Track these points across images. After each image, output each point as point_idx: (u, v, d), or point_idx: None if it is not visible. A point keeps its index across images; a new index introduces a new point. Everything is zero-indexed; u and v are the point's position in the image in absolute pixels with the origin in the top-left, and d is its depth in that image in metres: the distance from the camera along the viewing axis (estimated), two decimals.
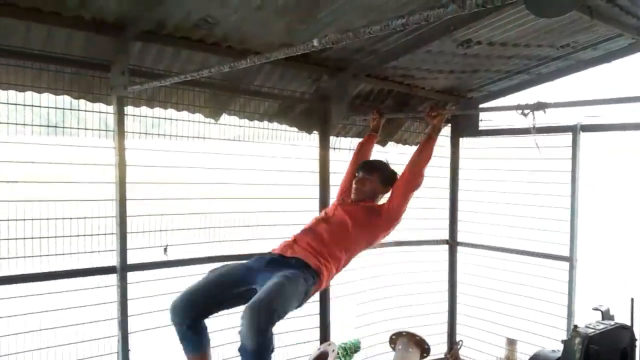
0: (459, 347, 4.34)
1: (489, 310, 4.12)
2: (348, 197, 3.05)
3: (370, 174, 2.97)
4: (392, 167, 3.08)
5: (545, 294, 3.80)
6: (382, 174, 2.99)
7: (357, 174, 3.01)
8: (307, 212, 3.53)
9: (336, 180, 3.53)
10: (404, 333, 3.67)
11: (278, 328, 3.33)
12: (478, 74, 3.61)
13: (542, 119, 2.54)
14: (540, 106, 2.40)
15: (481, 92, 4.01)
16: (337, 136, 3.68)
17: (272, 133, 3.40)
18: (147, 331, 2.84)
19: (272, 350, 2.17)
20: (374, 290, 3.95)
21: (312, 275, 2.51)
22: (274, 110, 3.34)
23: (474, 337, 4.29)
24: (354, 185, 2.97)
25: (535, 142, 2.39)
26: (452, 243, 4.29)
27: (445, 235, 4.25)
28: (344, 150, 3.71)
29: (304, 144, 3.58)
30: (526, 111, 2.42)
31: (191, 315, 2.30)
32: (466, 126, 4.11)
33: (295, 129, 3.48)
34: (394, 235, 3.99)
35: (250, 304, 2.13)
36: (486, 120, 4.09)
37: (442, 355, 4.36)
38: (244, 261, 2.67)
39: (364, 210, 2.86)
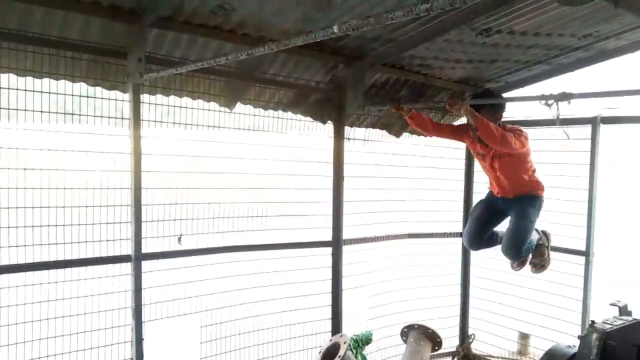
0: (470, 340, 4.32)
1: (501, 304, 4.09)
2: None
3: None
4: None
5: (559, 288, 3.76)
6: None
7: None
8: (321, 203, 3.51)
9: (351, 171, 3.51)
10: (415, 326, 3.65)
11: (290, 318, 3.39)
12: (496, 63, 3.54)
13: (563, 110, 2.48)
14: (564, 97, 2.34)
15: (498, 83, 3.95)
16: (352, 126, 3.64)
17: (286, 122, 3.37)
18: (161, 320, 2.84)
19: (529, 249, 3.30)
20: (386, 282, 3.93)
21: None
22: (288, 99, 3.31)
23: (486, 331, 4.26)
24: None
25: (565, 132, 2.34)
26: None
27: (458, 228, 4.20)
28: (358, 140, 3.68)
29: (317, 134, 3.55)
30: (550, 102, 2.36)
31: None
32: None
33: (309, 118, 3.45)
34: (406, 227, 4.03)
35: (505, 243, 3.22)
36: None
37: (454, 349, 4.33)
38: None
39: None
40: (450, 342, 4.23)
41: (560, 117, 2.49)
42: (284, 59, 3.09)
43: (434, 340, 3.63)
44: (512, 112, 4.01)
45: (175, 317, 2.90)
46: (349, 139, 3.58)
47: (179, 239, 2.89)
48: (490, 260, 4.13)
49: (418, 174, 3.96)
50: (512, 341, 4.26)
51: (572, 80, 3.84)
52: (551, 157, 3.70)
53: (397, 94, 3.65)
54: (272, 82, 3.18)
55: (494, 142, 3.02)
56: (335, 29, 1.52)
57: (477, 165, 4.15)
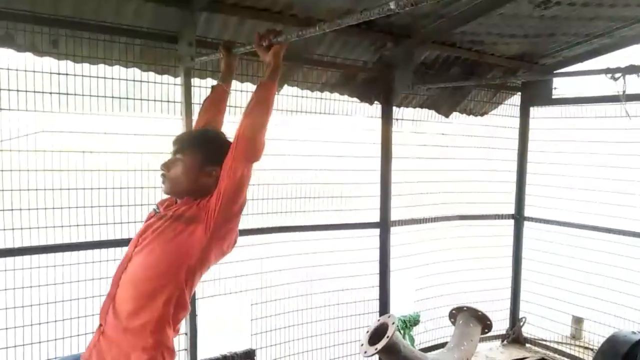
0: (522, 324, 4.23)
1: (555, 288, 3.97)
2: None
3: (184, 151, 1.77)
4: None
5: (618, 272, 3.60)
6: (205, 147, 1.78)
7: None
8: (369, 185, 3.50)
9: (399, 152, 3.47)
10: (465, 308, 3.60)
11: (338, 298, 3.42)
12: (554, 37, 3.36)
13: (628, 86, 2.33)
14: (633, 69, 2.19)
15: (555, 58, 3.75)
16: (399, 106, 3.57)
17: (332, 104, 3.35)
18: (213, 297, 2.93)
19: None
20: (434, 264, 3.88)
21: None
22: (335, 80, 3.28)
23: (537, 314, 4.16)
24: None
25: (625, 110, 2.19)
26: (519, 217, 4.12)
27: (511, 209, 4.09)
28: (406, 120, 3.61)
29: (364, 115, 3.51)
30: (617, 75, 2.20)
31: None
32: (538, 94, 3.88)
33: (356, 99, 3.41)
34: (457, 208, 3.95)
35: None
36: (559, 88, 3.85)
37: (504, 332, 4.26)
38: None
39: (174, 226, 1.70)
40: (500, 324, 4.16)
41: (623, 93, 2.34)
42: (331, 39, 3.05)
43: (484, 322, 3.58)
44: (565, 89, 3.84)
45: (228, 294, 2.98)
46: (396, 119, 3.52)
47: None
48: (544, 243, 4.02)
49: (468, 154, 3.86)
50: (565, 325, 4.14)
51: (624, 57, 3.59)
52: (610, 136, 3.51)
53: (448, 72, 3.54)
54: (318, 62, 3.15)
55: (253, 129, 1.69)
56: (392, 5, 1.46)
57: (532, 144, 4.02)
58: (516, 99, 4.08)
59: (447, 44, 3.35)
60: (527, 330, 4.24)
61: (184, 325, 2.84)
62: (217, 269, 2.91)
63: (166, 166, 1.76)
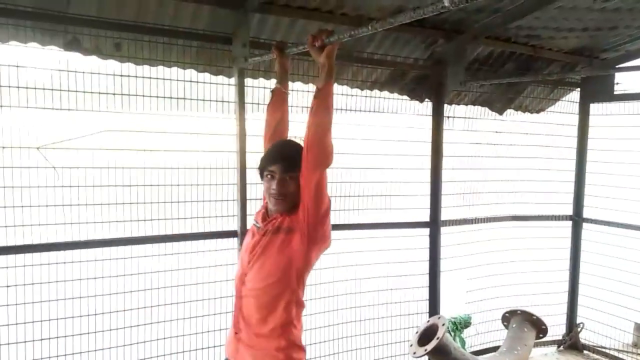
0: (579, 329, 4.06)
1: (616, 293, 3.78)
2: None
3: (294, 169, 1.81)
4: None
5: None
6: (299, 161, 1.80)
7: (267, 170, 1.88)
8: (419, 184, 3.46)
9: (450, 150, 3.41)
10: (519, 312, 3.50)
11: (388, 297, 3.40)
12: (616, 30, 3.20)
13: None
14: None
15: (618, 52, 3.58)
16: (451, 104, 3.51)
17: (382, 102, 3.33)
18: None
19: None
20: (487, 266, 3.79)
21: None
22: (385, 78, 3.26)
23: (596, 320, 3.98)
24: (273, 190, 1.85)
25: None
26: (577, 219, 3.95)
27: (569, 210, 3.93)
28: (457, 118, 3.54)
29: (414, 113, 3.48)
30: None
31: None
32: (598, 90, 3.71)
33: (406, 97, 3.38)
34: (510, 209, 3.84)
35: None
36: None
37: (560, 337, 4.10)
38: None
39: (275, 239, 1.85)
40: (556, 330, 4.02)
41: None
42: (382, 37, 3.04)
43: (539, 327, 3.47)
44: (628, 84, 3.66)
45: None
46: (448, 117, 3.46)
47: None
48: (604, 246, 3.84)
49: (523, 152, 3.75)
50: (626, 332, 3.94)
51: None
52: None
53: (502, 68, 3.44)
54: (368, 61, 3.15)
55: (319, 136, 1.74)
56: (447, 2, 1.44)
57: (591, 142, 3.85)
58: (575, 95, 3.92)
59: (501, 39, 3.26)
60: (585, 337, 4.06)
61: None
62: None
63: (285, 187, 1.83)
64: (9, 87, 2.23)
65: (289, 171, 1.82)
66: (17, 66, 2.21)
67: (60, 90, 2.30)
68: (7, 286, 2.32)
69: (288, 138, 2.13)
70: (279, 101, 2.18)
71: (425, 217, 3.47)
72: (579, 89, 3.87)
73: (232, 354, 1.93)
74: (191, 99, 2.64)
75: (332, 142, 1.79)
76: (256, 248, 1.88)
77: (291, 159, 1.83)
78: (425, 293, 3.53)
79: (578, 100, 3.88)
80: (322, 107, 1.78)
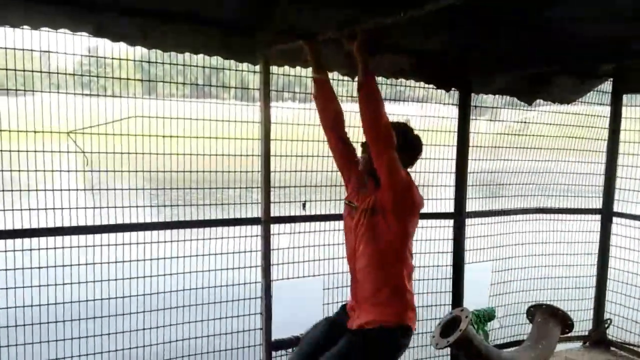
0: (606, 325, 3.97)
1: None
2: (355, 180, 2.28)
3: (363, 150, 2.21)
4: None
5: None
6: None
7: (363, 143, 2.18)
8: (443, 174, 3.42)
9: (476, 140, 3.36)
10: (544, 306, 3.44)
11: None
12: None
13: None
14: None
15: None
16: (478, 93, 3.44)
17: (406, 91, 3.30)
18: (287, 280, 3.01)
19: None
20: (512, 259, 3.74)
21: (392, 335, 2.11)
22: (411, 66, 3.21)
23: (624, 317, 3.89)
24: (361, 156, 2.21)
25: None
26: (607, 213, 3.85)
27: (598, 203, 3.83)
28: (485, 108, 3.48)
29: (439, 102, 3.43)
30: None
31: None
32: (633, 81, 3.58)
33: (432, 85, 3.33)
34: (537, 201, 3.76)
35: None
36: None
37: (586, 333, 4.02)
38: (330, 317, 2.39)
39: (372, 220, 2.11)
40: (582, 325, 3.94)
41: None
42: (407, 23, 2.98)
43: (564, 322, 3.40)
44: None
45: (300, 277, 3.05)
46: (474, 106, 3.40)
47: (304, 205, 3.00)
48: (634, 241, 3.74)
49: (552, 143, 3.66)
50: None
51: None
52: None
53: (532, 56, 3.32)
54: (394, 48, 3.10)
55: (372, 121, 1.96)
56: None
57: (623, 134, 3.73)
58: (607, 85, 3.80)
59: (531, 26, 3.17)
60: (612, 333, 3.97)
61: (259, 305, 2.95)
62: (290, 252, 2.99)
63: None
64: (41, 72, 2.27)
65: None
66: (49, 52, 2.26)
67: (90, 75, 2.34)
68: (39, 267, 2.38)
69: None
70: (323, 89, 2.30)
71: (450, 208, 3.43)
72: (611, 79, 3.75)
73: (353, 320, 2.15)
74: (217, 86, 2.66)
75: (388, 124, 1.97)
76: (359, 227, 2.12)
77: None
78: (448, 285, 3.50)
79: (610, 91, 3.77)
80: (367, 97, 1.97)
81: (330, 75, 2.90)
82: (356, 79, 2.24)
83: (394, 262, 2.08)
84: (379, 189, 2.05)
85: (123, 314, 2.63)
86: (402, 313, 2.10)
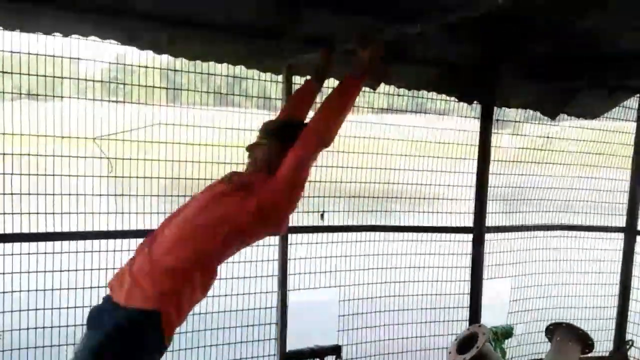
0: (628, 347, 3.87)
1: None
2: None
3: (265, 137, 1.90)
4: None
5: None
6: (281, 133, 1.88)
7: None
8: (463, 188, 3.39)
9: (498, 154, 3.32)
10: (564, 324, 3.37)
11: (426, 302, 3.35)
12: None
13: None
14: None
15: None
16: (501, 107, 3.41)
17: (427, 103, 3.29)
18: (303, 290, 3.00)
19: None
20: (532, 275, 3.67)
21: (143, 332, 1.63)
22: (434, 78, 3.19)
23: None
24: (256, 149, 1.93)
25: None
26: (630, 231, 3.77)
27: (621, 221, 3.76)
28: (507, 122, 3.45)
29: (460, 115, 3.41)
30: None
31: None
32: None
33: (454, 98, 3.30)
34: (559, 217, 3.70)
35: None
36: None
37: (607, 354, 3.93)
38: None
39: (234, 187, 1.80)
40: (602, 346, 3.85)
41: None
42: (430, 34, 2.96)
43: (584, 342, 3.32)
44: None
45: (317, 288, 3.04)
46: (497, 119, 3.36)
47: (322, 215, 3.00)
48: None
49: (576, 159, 3.61)
50: None
51: None
52: None
53: (558, 68, 3.26)
54: (416, 59, 3.08)
55: (329, 118, 1.80)
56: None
57: None
58: (632, 101, 3.74)
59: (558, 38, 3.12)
60: (634, 355, 3.87)
61: (274, 315, 2.94)
62: (307, 262, 2.98)
63: (251, 148, 1.92)
64: (70, 79, 2.32)
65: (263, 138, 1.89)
66: (78, 59, 2.30)
67: (117, 82, 2.37)
68: (60, 271, 2.41)
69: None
70: (307, 90, 2.19)
71: (469, 222, 3.39)
72: (638, 95, 3.69)
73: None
74: (239, 95, 2.68)
75: (334, 135, 1.83)
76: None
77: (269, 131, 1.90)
78: (466, 300, 3.45)
79: (636, 107, 3.70)
80: (343, 97, 1.82)
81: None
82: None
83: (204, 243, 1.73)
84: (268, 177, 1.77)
85: None
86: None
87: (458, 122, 3.42)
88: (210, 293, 2.76)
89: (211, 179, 2.65)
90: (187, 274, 1.70)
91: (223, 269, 2.80)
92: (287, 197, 1.78)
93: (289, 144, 1.78)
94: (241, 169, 2.47)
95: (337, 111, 1.81)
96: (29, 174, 2.29)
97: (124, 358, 1.63)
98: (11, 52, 2.22)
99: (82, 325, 2.42)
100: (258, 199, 1.72)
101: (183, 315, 1.74)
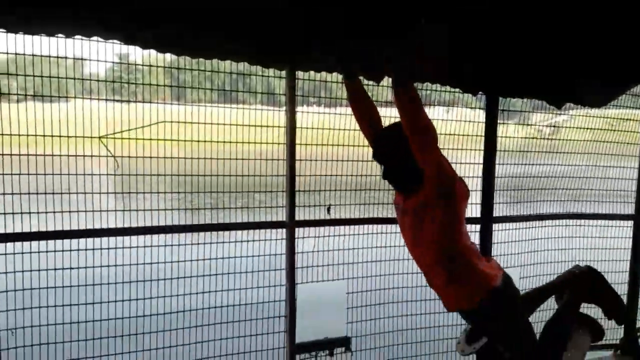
0: (638, 334, 3.86)
1: None
2: None
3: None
4: None
5: None
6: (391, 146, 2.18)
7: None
8: (469, 179, 3.37)
9: (505, 144, 3.31)
10: None
11: (434, 293, 3.34)
12: None
13: None
14: None
15: None
16: (506, 97, 3.38)
17: (433, 94, 3.27)
18: (311, 283, 3.01)
19: None
20: (540, 265, 3.66)
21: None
22: (438, 69, 3.16)
23: None
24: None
25: None
26: (639, 218, 3.75)
27: (631, 209, 3.73)
28: (513, 112, 3.43)
29: (464, 106, 3.40)
30: None
31: None
32: None
33: (458, 90, 3.28)
34: (567, 206, 3.68)
35: None
36: None
37: (617, 341, 3.92)
38: None
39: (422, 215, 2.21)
40: (612, 333, 3.83)
41: None
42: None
43: (594, 330, 3.31)
44: None
45: (324, 281, 3.05)
46: (503, 110, 3.34)
47: (328, 209, 3.01)
48: None
49: (582, 148, 3.58)
50: None
51: None
52: None
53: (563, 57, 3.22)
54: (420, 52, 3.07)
55: (411, 118, 1.98)
56: None
57: None
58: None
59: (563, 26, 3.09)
60: None
61: (283, 308, 2.96)
62: (314, 256, 3.00)
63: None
64: (75, 79, 2.34)
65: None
66: (82, 59, 2.32)
67: (121, 82, 2.39)
68: (70, 268, 2.45)
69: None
70: (358, 93, 2.30)
71: (476, 213, 3.39)
72: None
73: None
74: (243, 91, 2.69)
75: (427, 121, 2.01)
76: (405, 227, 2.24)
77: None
78: None
79: None
80: (404, 96, 1.96)
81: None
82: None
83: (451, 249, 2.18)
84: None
85: (149, 315, 2.68)
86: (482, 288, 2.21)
87: (463, 113, 3.40)
88: (219, 287, 2.82)
89: (216, 175, 2.69)
90: (470, 268, 2.22)
91: (232, 264, 2.84)
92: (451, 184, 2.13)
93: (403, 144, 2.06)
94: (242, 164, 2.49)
95: (410, 110, 1.99)
96: (37, 174, 2.32)
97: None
98: (15, 54, 2.24)
99: (93, 321, 2.51)
100: (440, 200, 2.11)
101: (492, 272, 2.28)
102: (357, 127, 2.95)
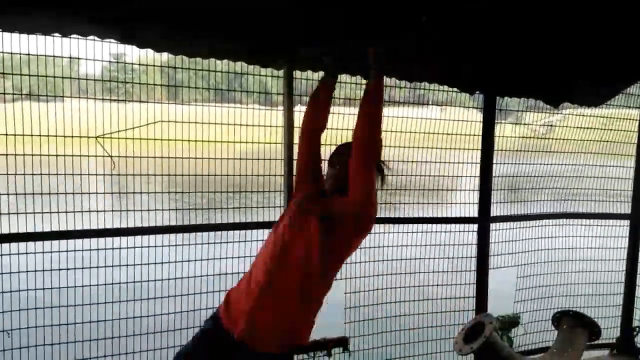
0: (635, 333, 3.87)
1: None
2: (309, 184, 2.20)
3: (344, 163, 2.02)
4: None
5: None
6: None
7: (331, 159, 2.11)
8: (467, 178, 3.38)
9: (502, 144, 3.31)
10: (570, 313, 3.37)
11: (431, 292, 3.36)
12: None
13: None
14: None
15: None
16: (502, 96, 3.39)
17: (429, 94, 3.28)
18: None
19: None
20: (538, 264, 3.67)
21: None
22: (434, 69, 3.16)
23: None
24: (329, 172, 2.10)
25: None
26: (636, 218, 3.76)
27: (627, 209, 3.74)
28: (510, 111, 3.44)
29: (461, 106, 3.40)
30: None
31: None
32: None
33: (456, 89, 3.28)
34: (564, 205, 3.69)
35: None
36: None
37: (614, 341, 3.93)
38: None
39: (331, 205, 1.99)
40: (609, 333, 3.85)
41: None
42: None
43: (591, 329, 3.32)
44: None
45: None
46: (499, 109, 3.35)
47: None
48: None
49: (579, 147, 3.59)
50: None
51: None
52: None
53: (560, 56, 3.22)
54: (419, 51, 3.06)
55: (370, 129, 1.91)
56: None
57: None
58: (636, 88, 3.71)
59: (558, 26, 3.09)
60: None
61: None
62: None
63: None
64: (70, 78, 2.32)
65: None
66: (78, 58, 2.30)
67: (117, 81, 2.38)
68: (68, 269, 2.43)
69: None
70: (325, 95, 2.25)
71: (474, 212, 3.39)
72: None
73: None
74: (240, 91, 2.68)
75: (381, 137, 1.94)
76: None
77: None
78: (472, 290, 3.45)
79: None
80: (372, 102, 1.93)
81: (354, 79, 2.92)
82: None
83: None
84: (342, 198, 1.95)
85: (146, 315, 2.66)
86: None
87: (460, 112, 3.40)
88: (217, 288, 2.80)
89: (214, 175, 2.68)
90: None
91: (229, 264, 2.83)
92: (371, 205, 1.99)
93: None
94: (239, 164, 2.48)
95: (373, 119, 1.93)
96: (32, 174, 2.31)
97: None
98: (11, 53, 2.22)
99: (89, 322, 2.49)
100: (355, 220, 1.95)
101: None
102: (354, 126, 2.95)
